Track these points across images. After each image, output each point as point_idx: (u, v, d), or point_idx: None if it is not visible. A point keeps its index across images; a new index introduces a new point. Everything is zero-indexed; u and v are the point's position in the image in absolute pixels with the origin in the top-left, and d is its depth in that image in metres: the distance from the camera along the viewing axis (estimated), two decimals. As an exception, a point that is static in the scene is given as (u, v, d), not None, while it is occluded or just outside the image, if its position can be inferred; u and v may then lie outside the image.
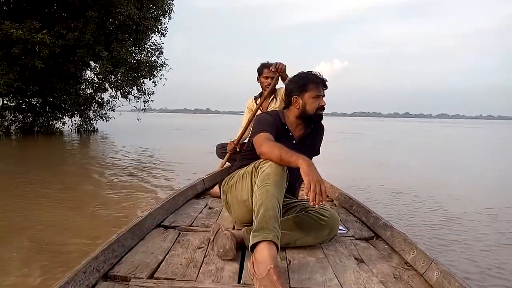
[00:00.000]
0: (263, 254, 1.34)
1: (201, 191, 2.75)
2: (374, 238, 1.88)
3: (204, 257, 1.51)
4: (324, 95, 1.87)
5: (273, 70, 2.88)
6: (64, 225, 3.04)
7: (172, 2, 13.85)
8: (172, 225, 1.92)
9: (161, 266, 1.40)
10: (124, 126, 19.96)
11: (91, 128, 15.99)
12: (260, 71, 3.16)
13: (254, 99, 3.33)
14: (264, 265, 1.29)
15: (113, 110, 16.43)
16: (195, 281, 1.30)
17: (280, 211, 1.50)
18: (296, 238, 1.65)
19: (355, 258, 1.59)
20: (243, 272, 1.39)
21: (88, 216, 3.34)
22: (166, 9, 13.74)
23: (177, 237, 1.75)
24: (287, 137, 1.89)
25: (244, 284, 1.31)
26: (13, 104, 14.03)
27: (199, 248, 1.61)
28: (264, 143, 1.65)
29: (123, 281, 1.28)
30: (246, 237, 1.56)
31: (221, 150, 3.42)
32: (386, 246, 1.76)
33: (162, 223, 1.93)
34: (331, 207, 2.30)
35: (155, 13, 13.56)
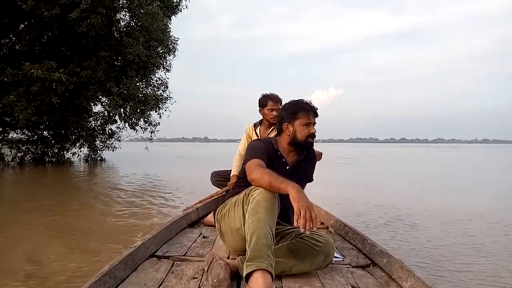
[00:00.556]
0: (258, 283, 1.33)
1: (195, 219, 2.72)
2: (371, 266, 1.86)
3: (199, 287, 1.48)
4: (314, 123, 1.89)
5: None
6: (70, 247, 3.19)
7: (176, 42, 15.09)
8: (165, 255, 1.88)
9: None
10: (129, 155, 20.86)
11: (99, 158, 16.83)
12: (264, 102, 3.10)
13: (254, 126, 3.29)
14: None
15: (119, 140, 17.38)
16: None
17: (273, 239, 1.50)
18: (291, 266, 1.63)
19: (352, 287, 1.57)
20: None
21: (92, 239, 3.49)
22: (171, 47, 14.95)
23: (171, 267, 1.71)
24: (280, 164, 1.90)
25: None
26: (25, 137, 14.95)
27: (193, 278, 1.57)
28: (255, 170, 1.66)
29: None
30: (241, 267, 1.53)
31: (216, 178, 3.35)
32: (383, 274, 1.73)
33: (155, 253, 1.90)
34: (326, 234, 2.32)
35: (161, 51, 14.74)
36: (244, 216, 1.62)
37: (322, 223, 2.83)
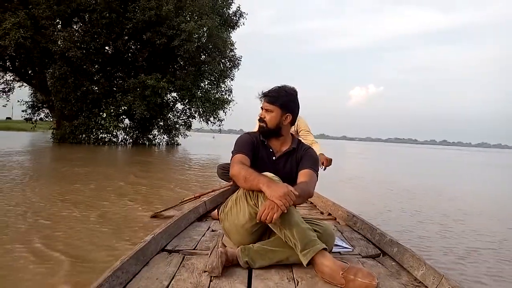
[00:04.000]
0: (325, 264, 1.46)
1: (203, 213, 2.74)
2: (381, 255, 1.87)
3: (211, 281, 1.49)
4: (267, 109, 1.87)
5: (323, 164, 2.98)
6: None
7: (240, 59, 20.33)
8: (176, 249, 1.90)
9: None
10: (195, 142, 26.58)
11: (176, 143, 22.50)
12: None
13: None
14: (336, 275, 1.42)
15: (189, 130, 23.07)
16: None
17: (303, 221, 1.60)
18: (288, 255, 1.62)
19: None
20: None
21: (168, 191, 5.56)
22: (236, 63, 20.21)
23: (182, 261, 1.73)
24: (267, 154, 1.91)
25: None
26: (128, 124, 20.82)
27: (204, 271, 1.57)
28: (234, 166, 1.73)
29: None
30: (240, 256, 1.62)
31: (222, 171, 3.34)
32: (393, 263, 1.74)
33: (166, 248, 1.91)
34: (334, 226, 2.46)
35: (228, 66, 20.03)
36: (250, 211, 1.66)
37: (329, 214, 2.88)
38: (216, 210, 2.57)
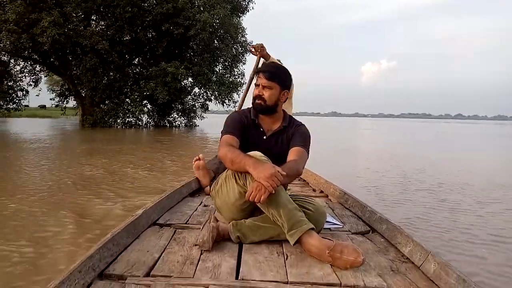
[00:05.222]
0: (310, 246, 1.47)
1: (196, 188, 2.76)
2: (370, 232, 1.90)
3: (201, 254, 1.51)
4: (264, 85, 1.81)
5: (251, 50, 2.94)
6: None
7: (251, 44, 21.77)
8: (167, 223, 1.92)
9: (157, 264, 1.41)
10: (212, 123, 28.46)
11: (194, 125, 24.38)
12: None
13: None
14: (323, 253, 1.43)
15: (205, 112, 24.86)
16: (193, 277, 1.30)
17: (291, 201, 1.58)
18: (279, 232, 1.61)
19: None
20: (241, 267, 1.40)
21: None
22: (247, 48, 21.67)
23: (173, 234, 1.75)
24: (257, 133, 1.89)
25: (242, 279, 1.30)
26: (150, 108, 22.70)
27: (195, 245, 1.59)
28: (221, 147, 1.72)
29: (120, 280, 1.29)
30: (232, 231, 1.64)
31: None
32: (382, 240, 1.78)
33: (157, 221, 1.94)
34: (326, 203, 2.50)
35: (240, 51, 21.58)
36: (239, 189, 1.65)
37: (321, 191, 2.92)
38: (208, 186, 2.62)
